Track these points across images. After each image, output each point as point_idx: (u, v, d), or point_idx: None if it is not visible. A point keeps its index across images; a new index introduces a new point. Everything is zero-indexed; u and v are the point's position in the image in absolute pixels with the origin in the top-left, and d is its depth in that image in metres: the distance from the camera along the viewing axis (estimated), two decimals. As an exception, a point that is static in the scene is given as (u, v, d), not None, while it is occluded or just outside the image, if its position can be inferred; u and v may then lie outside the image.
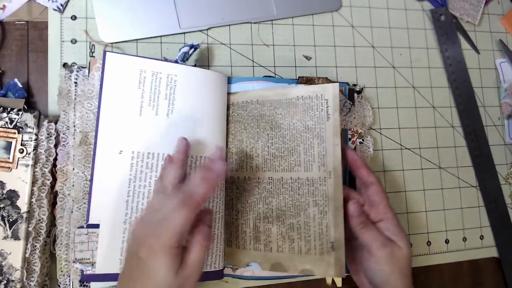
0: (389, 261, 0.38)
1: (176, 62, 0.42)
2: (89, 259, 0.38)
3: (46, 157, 0.39)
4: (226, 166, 0.35)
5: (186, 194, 0.32)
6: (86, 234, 0.38)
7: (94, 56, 0.43)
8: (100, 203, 0.38)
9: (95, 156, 0.38)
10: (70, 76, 0.41)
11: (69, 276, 0.39)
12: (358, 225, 0.39)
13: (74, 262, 0.37)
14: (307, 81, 0.46)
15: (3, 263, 0.36)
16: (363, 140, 0.48)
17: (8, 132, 0.37)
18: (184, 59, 0.42)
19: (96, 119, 0.39)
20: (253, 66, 0.48)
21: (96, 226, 0.38)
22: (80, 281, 0.38)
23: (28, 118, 0.38)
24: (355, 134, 0.47)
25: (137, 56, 0.40)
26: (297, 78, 0.46)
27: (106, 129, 0.39)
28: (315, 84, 0.46)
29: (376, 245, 0.38)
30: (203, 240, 0.33)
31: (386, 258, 0.38)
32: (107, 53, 0.39)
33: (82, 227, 0.38)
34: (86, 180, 0.39)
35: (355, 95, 0.48)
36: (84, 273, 0.38)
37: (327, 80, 0.46)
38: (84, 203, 0.39)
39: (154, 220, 0.32)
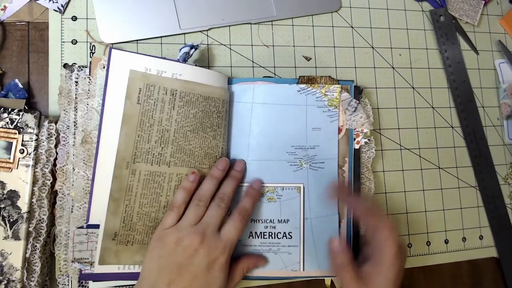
0: None
1: (177, 61, 0.42)
2: (88, 258, 0.38)
3: (47, 158, 0.39)
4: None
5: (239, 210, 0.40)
6: (86, 234, 0.38)
7: (95, 57, 0.43)
8: (101, 203, 0.38)
9: (97, 155, 0.38)
10: (71, 75, 0.41)
11: (68, 276, 0.39)
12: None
13: (72, 261, 0.37)
14: (308, 80, 0.46)
15: (3, 263, 0.36)
16: (369, 140, 0.47)
17: (9, 133, 0.37)
18: (186, 59, 0.42)
19: (99, 118, 0.39)
20: (253, 67, 0.48)
21: (96, 226, 0.38)
22: (78, 280, 0.39)
23: (29, 118, 0.38)
24: (360, 134, 0.47)
25: (142, 54, 0.40)
26: (298, 77, 0.46)
27: (109, 128, 0.39)
28: (318, 83, 0.46)
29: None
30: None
31: None
32: (113, 50, 0.39)
33: (82, 227, 0.38)
34: (88, 180, 0.39)
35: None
36: (83, 272, 0.38)
37: (331, 79, 0.46)
38: (85, 202, 0.39)
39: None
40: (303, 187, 0.45)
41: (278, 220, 0.44)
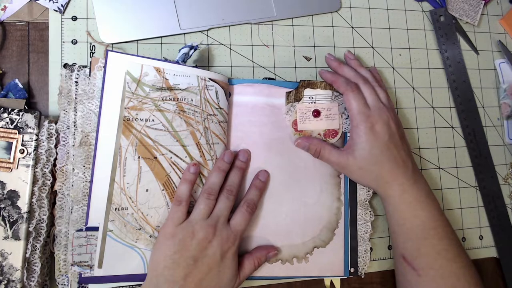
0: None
1: (176, 63, 0.42)
2: (87, 261, 0.38)
3: (47, 158, 0.39)
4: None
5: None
6: (85, 237, 0.38)
7: (94, 57, 0.43)
8: (100, 206, 0.38)
9: (95, 157, 0.38)
10: (71, 75, 0.41)
11: (67, 277, 0.39)
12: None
13: (72, 265, 0.37)
14: (309, 85, 0.46)
15: (3, 263, 0.36)
16: None
17: (9, 133, 0.37)
18: (185, 60, 0.42)
19: (97, 119, 0.39)
20: (253, 67, 0.48)
21: (95, 229, 0.38)
22: (78, 282, 0.38)
23: (29, 118, 0.38)
24: None
25: (139, 56, 0.40)
26: (299, 81, 0.47)
27: (107, 130, 0.39)
28: (318, 87, 0.46)
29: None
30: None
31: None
32: (109, 52, 0.39)
33: (81, 229, 0.38)
34: (86, 182, 0.39)
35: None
36: (83, 275, 0.38)
37: (330, 84, 0.46)
38: (84, 204, 0.39)
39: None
40: None
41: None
